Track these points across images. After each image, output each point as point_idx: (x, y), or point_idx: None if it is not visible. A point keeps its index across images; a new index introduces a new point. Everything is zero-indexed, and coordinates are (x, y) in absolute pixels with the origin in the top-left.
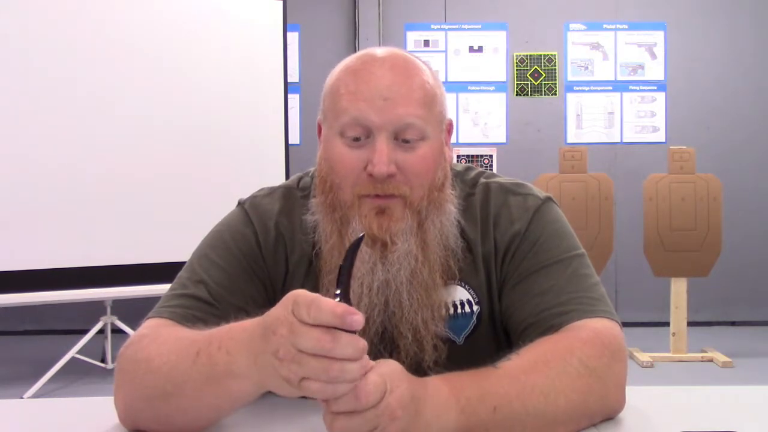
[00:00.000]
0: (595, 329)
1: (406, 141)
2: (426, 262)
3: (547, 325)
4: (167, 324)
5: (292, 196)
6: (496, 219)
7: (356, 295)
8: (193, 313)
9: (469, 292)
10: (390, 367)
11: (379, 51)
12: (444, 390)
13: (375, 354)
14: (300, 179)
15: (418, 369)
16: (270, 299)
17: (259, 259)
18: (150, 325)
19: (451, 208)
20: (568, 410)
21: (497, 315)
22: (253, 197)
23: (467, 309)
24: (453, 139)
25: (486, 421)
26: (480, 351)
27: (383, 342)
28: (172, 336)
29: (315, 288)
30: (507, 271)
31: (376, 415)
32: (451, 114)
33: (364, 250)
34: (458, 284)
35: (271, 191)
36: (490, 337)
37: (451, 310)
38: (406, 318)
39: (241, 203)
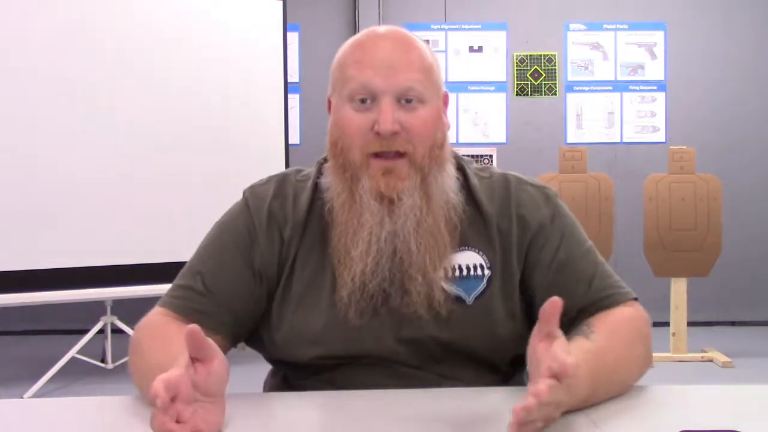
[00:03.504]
0: (635, 306)
1: (408, 101)
2: (430, 212)
3: (601, 305)
4: (167, 316)
5: (287, 181)
6: (519, 200)
7: (365, 243)
8: (188, 304)
9: (482, 258)
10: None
11: (381, 28)
12: (583, 368)
13: (389, 299)
14: (300, 170)
15: (430, 308)
16: (262, 276)
17: (254, 239)
18: (153, 315)
19: (451, 168)
20: (635, 374)
21: (510, 282)
22: (252, 185)
23: (479, 272)
24: (453, 139)
25: (596, 389)
26: (486, 312)
27: (393, 286)
28: (160, 341)
29: (327, 243)
30: (538, 251)
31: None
32: (451, 114)
33: (372, 204)
34: (472, 250)
35: (269, 179)
36: (498, 301)
37: (465, 272)
38: (416, 262)
39: (243, 192)
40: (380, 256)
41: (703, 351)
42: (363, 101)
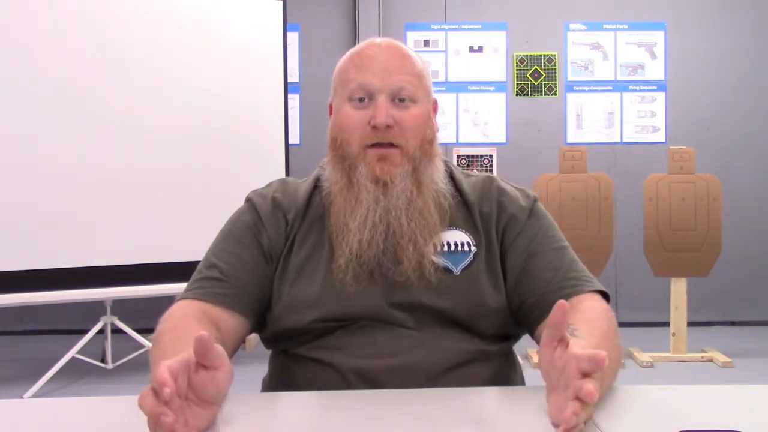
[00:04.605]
0: (600, 300)
1: (402, 100)
2: (420, 195)
3: (563, 293)
4: (192, 304)
5: (287, 182)
6: (500, 191)
7: (362, 217)
8: (210, 290)
9: (469, 237)
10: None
11: (378, 39)
12: None
13: (382, 267)
14: (298, 179)
15: (421, 277)
16: (272, 257)
17: (261, 227)
18: (176, 307)
19: (440, 162)
20: (618, 368)
21: (493, 258)
22: (254, 190)
23: (466, 248)
24: (453, 139)
25: (601, 386)
26: (473, 282)
27: (386, 257)
28: (178, 329)
29: (325, 224)
30: (513, 236)
31: None
32: (451, 114)
33: (369, 185)
34: (459, 230)
35: (270, 183)
36: (483, 274)
37: (453, 247)
38: (406, 233)
39: (246, 198)
40: (375, 230)
41: (703, 351)
42: (361, 100)
